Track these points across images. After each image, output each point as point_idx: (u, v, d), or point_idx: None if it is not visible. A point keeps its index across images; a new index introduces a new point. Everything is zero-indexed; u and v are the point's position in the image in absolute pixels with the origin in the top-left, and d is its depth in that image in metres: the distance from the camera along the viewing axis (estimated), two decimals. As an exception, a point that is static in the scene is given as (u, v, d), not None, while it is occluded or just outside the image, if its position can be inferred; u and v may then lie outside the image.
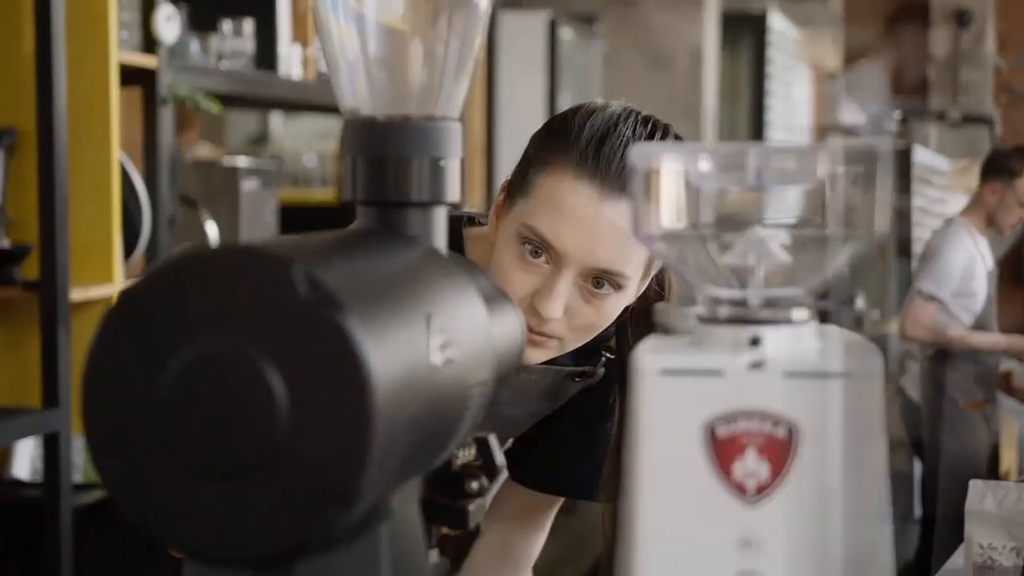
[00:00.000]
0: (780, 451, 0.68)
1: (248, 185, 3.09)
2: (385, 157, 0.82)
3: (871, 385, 0.69)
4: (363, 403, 0.61)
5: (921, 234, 7.46)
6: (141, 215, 2.63)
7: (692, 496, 0.68)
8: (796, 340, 0.71)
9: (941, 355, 4.50)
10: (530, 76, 4.91)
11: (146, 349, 0.63)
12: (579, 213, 1.23)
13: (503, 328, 0.86)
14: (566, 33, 5.02)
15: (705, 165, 0.72)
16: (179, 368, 0.62)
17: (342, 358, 0.61)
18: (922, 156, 7.42)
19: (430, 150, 0.83)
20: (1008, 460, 4.74)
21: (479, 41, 0.86)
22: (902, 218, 7.03)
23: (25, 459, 2.60)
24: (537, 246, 1.24)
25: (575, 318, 1.26)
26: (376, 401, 0.61)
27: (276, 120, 5.97)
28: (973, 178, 8.65)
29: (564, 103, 5.69)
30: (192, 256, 0.63)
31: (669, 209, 0.73)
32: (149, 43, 2.71)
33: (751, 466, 0.68)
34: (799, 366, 0.69)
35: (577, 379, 1.42)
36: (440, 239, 0.84)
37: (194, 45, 2.99)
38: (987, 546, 1.87)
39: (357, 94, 0.84)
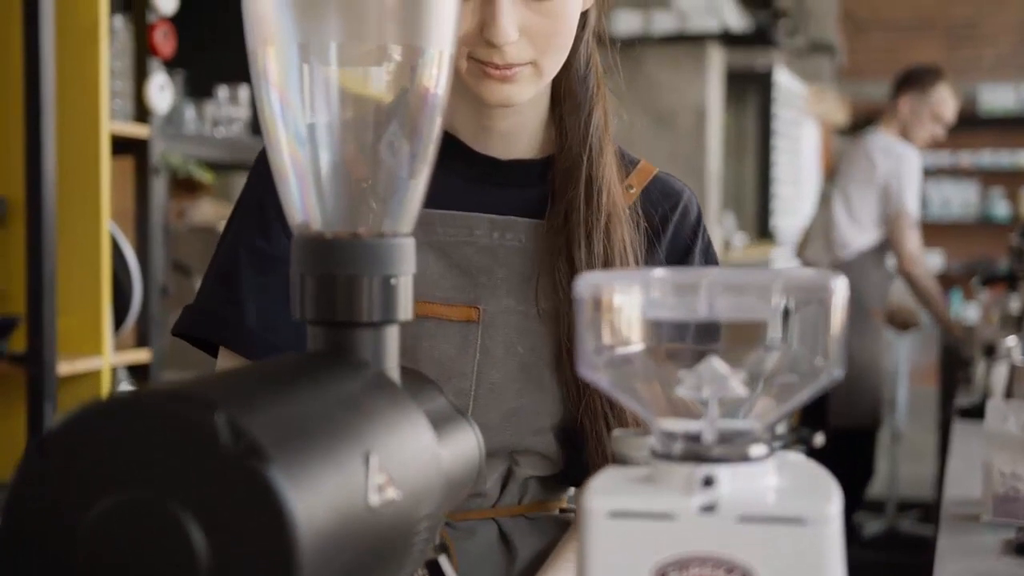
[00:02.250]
0: (731, 604, 0.65)
1: (244, 251, 3.06)
2: (334, 275, 0.80)
3: (829, 529, 0.66)
4: (287, 557, 0.58)
5: (777, 159, 7.52)
6: (131, 286, 2.61)
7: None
8: (753, 478, 0.68)
9: (857, 262, 4.57)
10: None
11: (64, 498, 0.60)
12: None
13: (456, 450, 0.83)
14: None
15: (655, 294, 0.69)
16: (97, 519, 0.60)
17: (265, 511, 0.58)
18: (783, 78, 7.46)
19: (381, 268, 0.80)
20: None
21: (431, 154, 0.84)
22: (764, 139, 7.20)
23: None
24: None
25: (534, 34, 1.17)
26: (301, 554, 0.58)
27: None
28: (829, 103, 8.71)
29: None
30: (113, 401, 0.60)
31: (617, 339, 0.70)
32: (142, 112, 2.70)
33: (700, 621, 0.65)
34: (754, 509, 0.66)
35: None
36: (391, 360, 0.81)
37: (189, 112, 2.98)
38: (1010, 474, 1.71)
39: (307, 209, 0.82)
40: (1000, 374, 3.04)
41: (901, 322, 5.01)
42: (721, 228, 6.28)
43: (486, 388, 1.23)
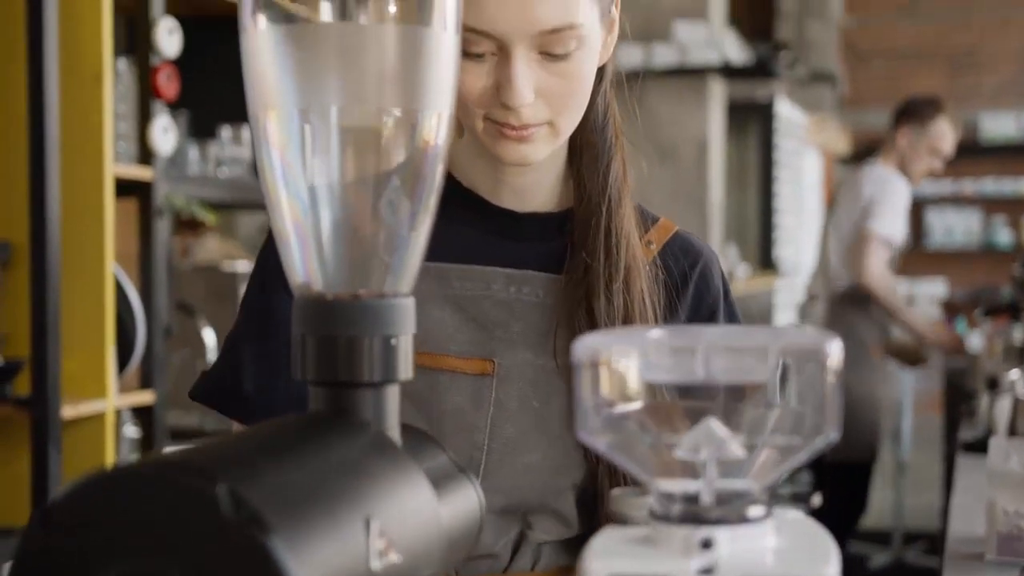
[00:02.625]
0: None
1: (247, 290, 3.08)
2: (335, 336, 0.80)
3: (828, 590, 0.66)
4: (290, 626, 0.59)
5: (780, 189, 7.53)
6: (135, 328, 2.62)
7: None
8: (751, 539, 0.68)
9: (851, 296, 4.54)
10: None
11: (68, 569, 0.61)
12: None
13: (456, 507, 0.83)
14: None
15: (652, 357, 0.70)
16: (100, 589, 0.60)
17: (267, 581, 0.59)
18: (784, 109, 7.47)
19: (381, 328, 0.81)
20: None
21: (431, 212, 0.84)
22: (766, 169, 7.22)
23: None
24: (474, 42, 1.13)
25: (550, 95, 1.16)
26: (303, 624, 0.59)
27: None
28: (831, 133, 8.74)
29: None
30: (115, 472, 0.61)
31: (615, 401, 0.71)
32: (146, 154, 2.71)
33: None
34: (753, 571, 0.66)
35: None
36: (392, 419, 0.81)
37: (193, 152, 2.99)
38: (1014, 512, 1.70)
39: (307, 270, 0.83)
40: (1003, 408, 3.03)
41: (907, 358, 5.00)
42: (724, 260, 6.29)
43: (500, 442, 1.22)
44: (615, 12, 1.23)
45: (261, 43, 0.80)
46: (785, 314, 7.63)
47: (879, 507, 6.32)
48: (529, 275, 1.25)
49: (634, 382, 0.70)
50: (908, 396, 6.03)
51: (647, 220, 1.31)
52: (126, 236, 2.71)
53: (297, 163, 0.80)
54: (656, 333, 0.73)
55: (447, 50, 0.82)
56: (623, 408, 0.71)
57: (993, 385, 3.35)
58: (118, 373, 2.62)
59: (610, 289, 1.22)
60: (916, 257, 10.37)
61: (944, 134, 4.56)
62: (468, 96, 1.15)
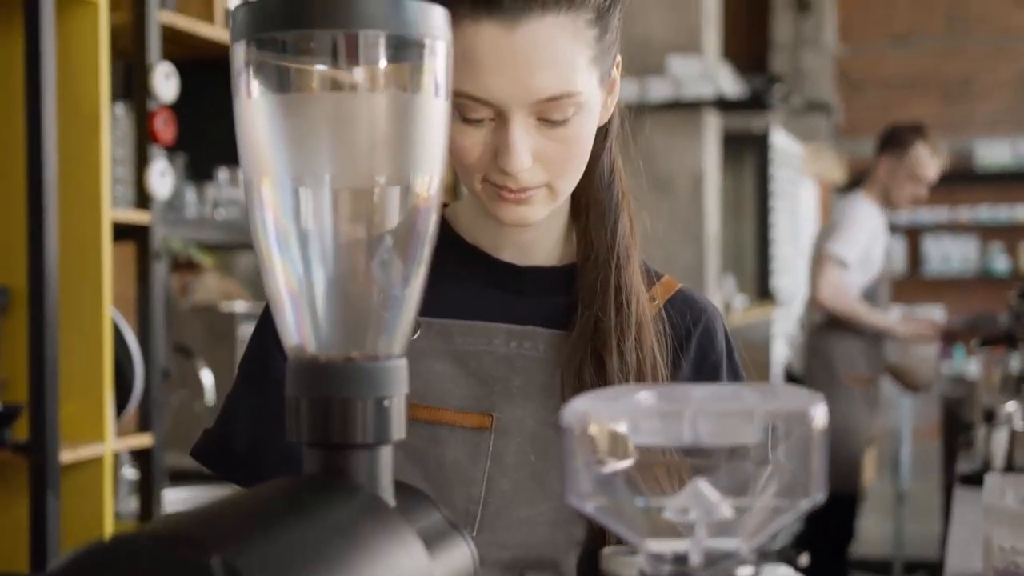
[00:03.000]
0: None
1: (246, 331, 3.09)
2: (329, 398, 0.81)
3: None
4: None
5: (776, 219, 7.55)
6: (134, 371, 2.62)
7: None
8: (740, 600, 0.69)
9: (829, 326, 4.54)
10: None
11: (65, 639, 0.61)
12: (492, 54, 1.11)
13: (449, 567, 0.84)
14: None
15: (641, 423, 0.71)
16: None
17: (262, 651, 0.59)
18: (779, 139, 7.50)
19: (375, 391, 0.82)
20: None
21: (423, 274, 0.86)
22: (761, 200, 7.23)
23: (14, 622, 2.57)
24: (472, 108, 1.13)
25: (548, 159, 1.16)
26: None
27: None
28: (825, 162, 8.77)
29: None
30: (111, 543, 0.62)
31: (604, 465, 0.72)
32: (143, 198, 2.73)
33: None
34: (741, 632, 0.67)
35: None
36: (385, 479, 0.83)
37: (190, 194, 3.01)
38: (1010, 548, 1.68)
39: (301, 332, 0.84)
40: (1000, 440, 3.04)
41: (908, 383, 5.00)
42: (721, 291, 6.30)
43: (496, 496, 1.22)
44: (616, 73, 1.23)
45: (255, 111, 0.82)
46: (783, 344, 7.64)
47: (879, 536, 6.31)
48: (530, 330, 1.25)
49: (623, 446, 0.72)
50: (907, 424, 6.03)
51: (651, 276, 1.32)
52: (124, 279, 2.72)
53: (290, 228, 0.82)
54: (645, 396, 0.74)
55: (438, 115, 0.83)
56: (612, 470, 0.72)
57: (990, 417, 3.36)
58: (116, 416, 2.63)
59: (622, 345, 1.22)
60: (913, 284, 10.39)
61: (923, 160, 4.58)
62: (466, 159, 1.16)
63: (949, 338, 5.12)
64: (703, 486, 0.71)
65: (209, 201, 3.04)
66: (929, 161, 4.60)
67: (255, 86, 0.81)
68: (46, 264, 2.41)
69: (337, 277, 0.83)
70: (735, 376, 1.33)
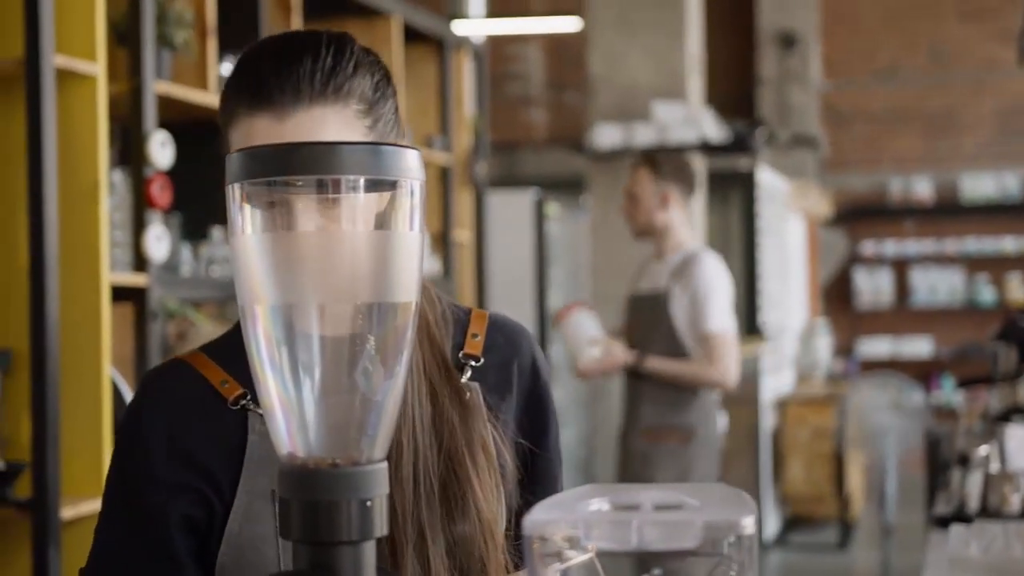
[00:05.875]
0: None
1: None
2: (317, 501, 0.91)
3: None
4: None
5: (763, 255, 7.62)
6: (132, 427, 2.71)
7: None
8: None
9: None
10: (519, 250, 5.03)
11: None
12: (265, 144, 1.11)
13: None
14: (552, 209, 5.15)
15: (593, 530, 0.81)
16: None
17: None
18: (765, 176, 7.59)
19: (358, 493, 0.91)
20: None
21: (399, 387, 0.95)
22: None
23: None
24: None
25: None
26: None
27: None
28: (811, 198, 8.85)
29: (554, 274, 5.81)
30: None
31: (561, 566, 0.81)
32: (140, 261, 2.82)
33: None
34: None
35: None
36: (368, 572, 0.92)
37: (186, 252, 3.11)
38: None
39: (292, 441, 0.93)
40: (975, 483, 3.11)
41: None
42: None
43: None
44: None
45: (248, 246, 0.91)
46: (772, 379, 7.73)
47: (868, 568, 6.39)
48: None
49: (577, 550, 0.81)
50: (892, 458, 6.11)
51: (458, 313, 1.36)
52: (122, 339, 2.81)
53: (282, 349, 0.91)
54: (596, 505, 0.83)
55: (414, 246, 0.93)
56: (569, 572, 0.82)
57: (964, 460, 3.43)
58: (116, 472, 2.71)
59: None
60: (902, 316, 10.50)
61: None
62: None
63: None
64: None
65: (204, 260, 3.13)
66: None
67: (248, 224, 0.91)
68: (47, 327, 2.50)
69: (323, 391, 0.92)
70: (545, 393, 1.38)
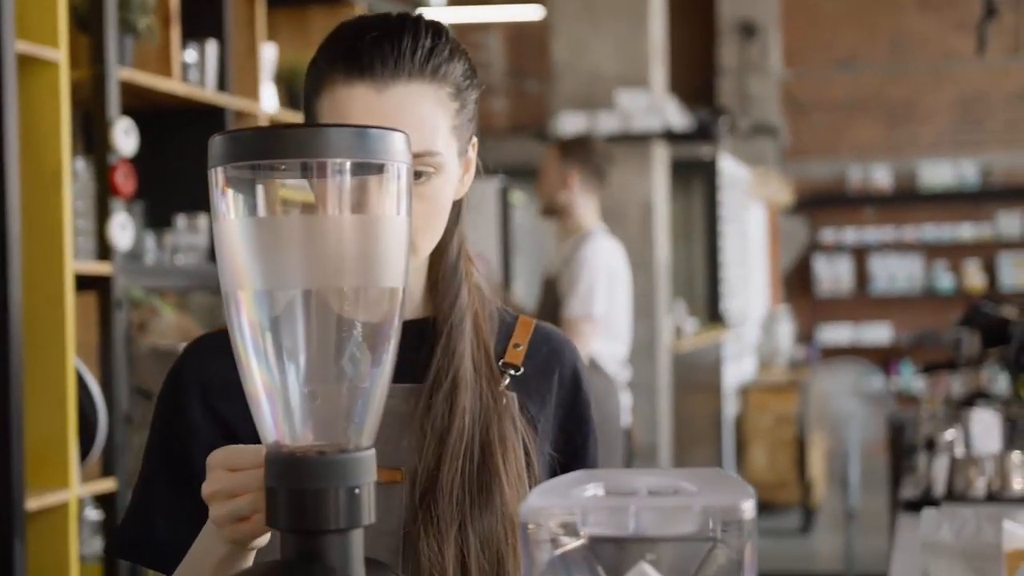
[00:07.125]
0: None
1: (205, 372, 3.14)
2: (304, 489, 0.89)
3: None
4: None
5: (725, 243, 7.67)
6: (97, 417, 2.68)
7: None
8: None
9: None
10: (484, 238, 5.02)
11: None
12: (363, 113, 1.20)
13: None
14: (517, 198, 5.14)
15: (589, 516, 0.79)
16: None
17: None
18: (727, 164, 7.64)
19: (346, 480, 0.90)
20: None
21: (387, 373, 0.94)
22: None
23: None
24: None
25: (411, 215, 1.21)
26: None
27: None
28: (772, 185, 8.90)
29: (519, 264, 5.80)
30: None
31: (557, 552, 0.80)
32: (104, 249, 2.79)
33: None
34: None
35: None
36: (357, 561, 0.90)
37: (150, 241, 3.07)
38: None
39: (278, 429, 0.92)
40: (941, 467, 3.12)
41: None
42: (672, 317, 6.41)
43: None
44: (472, 153, 1.31)
45: (231, 231, 0.90)
46: (734, 366, 7.76)
47: (831, 553, 6.44)
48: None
49: (574, 537, 0.80)
50: (855, 444, 6.14)
51: (504, 320, 1.37)
52: (86, 327, 2.78)
53: (267, 336, 0.90)
54: (592, 490, 0.82)
55: (399, 230, 0.92)
56: (564, 557, 0.81)
57: (930, 445, 3.45)
58: (80, 462, 2.68)
59: (432, 401, 1.26)
60: (861, 302, 10.56)
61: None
62: None
63: None
64: (647, 568, 0.79)
65: (168, 248, 3.10)
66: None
67: (231, 209, 0.89)
68: (10, 316, 2.46)
69: (309, 377, 0.91)
70: (586, 410, 1.39)
